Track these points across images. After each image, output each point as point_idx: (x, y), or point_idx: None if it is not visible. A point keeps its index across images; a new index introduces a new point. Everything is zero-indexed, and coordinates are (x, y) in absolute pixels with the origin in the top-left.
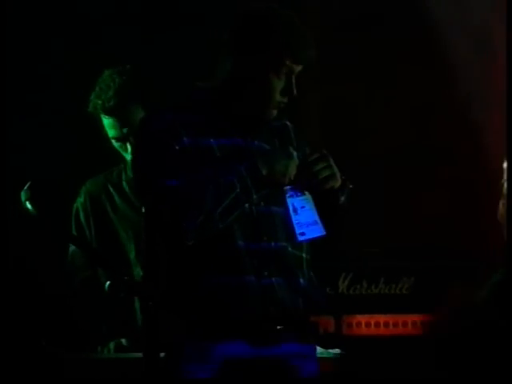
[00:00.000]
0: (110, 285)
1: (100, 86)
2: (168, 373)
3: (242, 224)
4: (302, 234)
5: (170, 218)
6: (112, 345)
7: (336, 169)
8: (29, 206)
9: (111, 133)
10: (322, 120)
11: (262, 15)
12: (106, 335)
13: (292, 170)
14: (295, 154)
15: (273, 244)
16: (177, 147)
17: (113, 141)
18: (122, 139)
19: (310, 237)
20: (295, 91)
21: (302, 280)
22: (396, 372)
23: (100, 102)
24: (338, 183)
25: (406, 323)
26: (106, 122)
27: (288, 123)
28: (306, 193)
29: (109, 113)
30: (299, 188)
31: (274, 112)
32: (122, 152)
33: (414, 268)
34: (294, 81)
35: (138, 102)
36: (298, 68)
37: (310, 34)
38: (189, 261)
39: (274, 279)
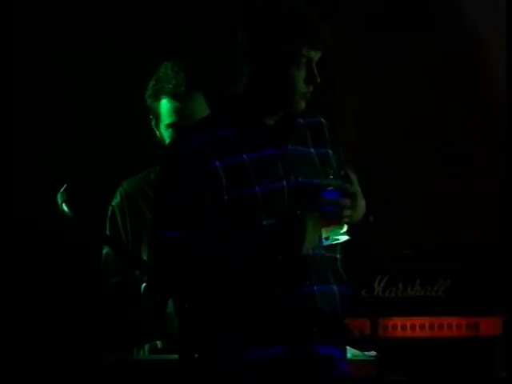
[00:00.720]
0: (145, 287)
1: (167, 72)
2: (203, 375)
3: None
4: (327, 238)
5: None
6: (147, 347)
7: (360, 202)
8: (65, 208)
9: (172, 118)
10: (357, 120)
11: (270, 10)
12: (140, 337)
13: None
14: (330, 152)
15: (311, 252)
16: (207, 172)
17: (167, 128)
18: (180, 124)
19: (334, 241)
20: (318, 79)
21: (338, 285)
22: (432, 374)
23: (171, 86)
24: (358, 219)
25: (441, 325)
26: (171, 106)
27: (322, 120)
28: (338, 195)
29: (178, 97)
30: (325, 192)
31: (303, 104)
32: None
33: (450, 270)
34: (315, 68)
35: (200, 90)
36: (317, 55)
37: (320, 18)
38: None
39: (315, 288)
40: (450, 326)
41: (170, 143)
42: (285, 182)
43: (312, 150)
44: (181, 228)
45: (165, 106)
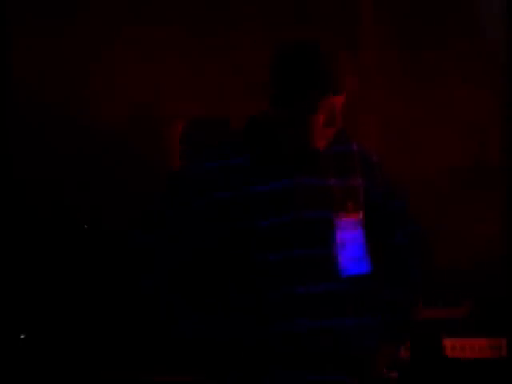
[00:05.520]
0: None
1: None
2: None
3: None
4: (346, 269)
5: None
6: None
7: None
8: None
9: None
10: (381, 138)
11: (294, 55)
12: None
13: None
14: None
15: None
16: (215, 196)
17: None
18: None
19: (354, 272)
20: (340, 122)
21: (374, 318)
22: None
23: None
24: None
25: (464, 347)
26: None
27: (355, 146)
28: (359, 227)
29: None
30: (352, 223)
31: (322, 143)
32: None
33: (472, 291)
34: (336, 112)
35: None
36: (339, 100)
37: (342, 60)
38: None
39: (346, 320)
40: (473, 347)
41: (182, 164)
42: (291, 216)
43: (332, 180)
44: (161, 237)
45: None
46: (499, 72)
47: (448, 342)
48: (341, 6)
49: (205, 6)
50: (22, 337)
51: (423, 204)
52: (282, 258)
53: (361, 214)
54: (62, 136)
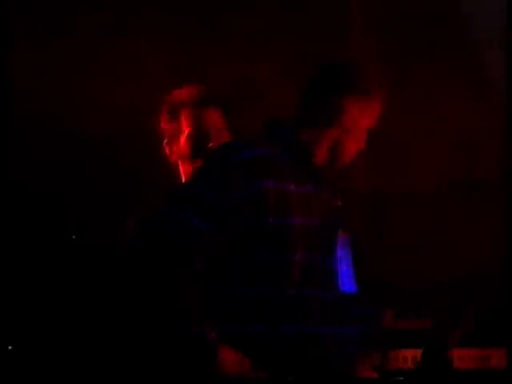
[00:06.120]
0: None
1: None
2: None
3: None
4: (342, 284)
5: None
6: None
7: None
8: None
9: None
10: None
11: (335, 79)
12: None
13: None
14: None
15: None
16: (257, 186)
17: None
18: None
19: (346, 289)
20: (365, 144)
21: (354, 329)
22: None
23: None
24: None
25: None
26: None
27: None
28: (348, 247)
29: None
30: (345, 240)
31: (346, 162)
32: None
33: (460, 302)
34: (365, 135)
35: None
36: (372, 125)
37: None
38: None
39: (332, 329)
40: (462, 358)
41: (220, 147)
42: (318, 220)
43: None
44: (205, 218)
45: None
46: (490, 85)
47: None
48: (329, 19)
49: (194, 19)
50: (9, 348)
51: (414, 217)
52: (296, 260)
53: (349, 235)
54: (48, 147)
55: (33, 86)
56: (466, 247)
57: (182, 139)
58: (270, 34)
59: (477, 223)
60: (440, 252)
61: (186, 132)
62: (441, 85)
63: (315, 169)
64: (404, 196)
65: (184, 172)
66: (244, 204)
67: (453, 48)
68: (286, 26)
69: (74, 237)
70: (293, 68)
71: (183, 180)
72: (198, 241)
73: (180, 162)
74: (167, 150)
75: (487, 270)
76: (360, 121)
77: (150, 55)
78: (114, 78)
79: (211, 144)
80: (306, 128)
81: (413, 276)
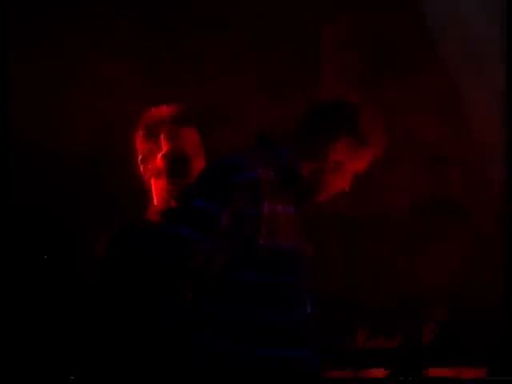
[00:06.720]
0: None
1: None
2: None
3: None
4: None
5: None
6: None
7: None
8: None
9: None
10: None
11: (334, 117)
12: None
13: None
14: None
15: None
16: (255, 211)
17: None
18: None
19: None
20: (348, 187)
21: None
22: None
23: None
24: None
25: (426, 374)
26: None
27: None
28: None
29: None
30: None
31: (323, 198)
32: None
33: (431, 321)
34: (351, 178)
35: None
36: (360, 171)
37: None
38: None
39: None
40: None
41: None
42: (294, 243)
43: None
44: (202, 233)
45: None
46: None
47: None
48: (301, 36)
49: (165, 39)
50: None
51: (385, 240)
52: (274, 282)
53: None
54: (22, 165)
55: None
56: (435, 265)
57: (159, 157)
58: (242, 51)
59: (444, 242)
60: (409, 270)
61: (165, 150)
62: (406, 100)
63: (302, 192)
64: (372, 216)
65: (157, 189)
66: (243, 224)
67: (419, 63)
68: (259, 49)
69: (45, 257)
70: (267, 85)
71: (155, 197)
72: (191, 255)
73: (153, 180)
74: (141, 168)
75: (457, 287)
76: (348, 163)
77: (123, 75)
78: (87, 95)
79: (190, 162)
80: (299, 152)
81: (383, 296)
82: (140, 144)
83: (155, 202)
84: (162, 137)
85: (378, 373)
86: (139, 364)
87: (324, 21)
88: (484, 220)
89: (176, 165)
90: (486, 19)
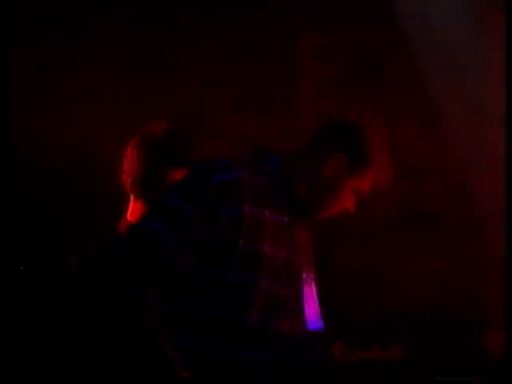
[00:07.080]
0: None
1: None
2: None
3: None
4: (310, 323)
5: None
6: None
7: None
8: None
9: None
10: None
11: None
12: None
13: None
14: None
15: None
16: (234, 209)
17: None
18: None
19: (315, 327)
20: (353, 208)
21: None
22: None
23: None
24: None
25: None
26: None
27: None
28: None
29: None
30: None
31: (323, 215)
32: None
33: (406, 334)
34: (354, 198)
35: None
36: (364, 192)
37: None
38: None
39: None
40: None
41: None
42: (286, 252)
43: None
44: (175, 231)
45: None
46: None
47: None
48: (278, 46)
49: (143, 52)
50: None
51: (364, 251)
52: (260, 286)
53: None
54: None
55: None
56: (415, 278)
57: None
58: (218, 63)
59: (424, 253)
60: (389, 283)
61: (148, 163)
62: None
63: (297, 205)
64: (351, 228)
65: (133, 206)
66: (221, 224)
67: (398, 76)
68: (238, 60)
69: (21, 267)
70: (242, 96)
71: (129, 212)
72: (170, 254)
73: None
74: (124, 177)
75: (436, 300)
76: (349, 183)
77: (100, 87)
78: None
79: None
80: (299, 166)
81: (362, 307)
82: (127, 155)
83: (128, 216)
84: (148, 151)
85: None
86: (124, 365)
87: (299, 33)
88: (464, 232)
89: (155, 177)
90: (471, 32)
